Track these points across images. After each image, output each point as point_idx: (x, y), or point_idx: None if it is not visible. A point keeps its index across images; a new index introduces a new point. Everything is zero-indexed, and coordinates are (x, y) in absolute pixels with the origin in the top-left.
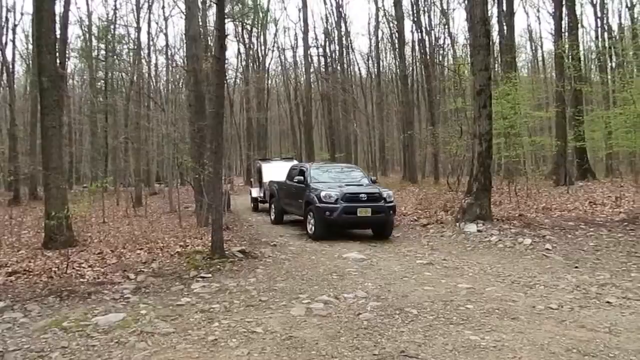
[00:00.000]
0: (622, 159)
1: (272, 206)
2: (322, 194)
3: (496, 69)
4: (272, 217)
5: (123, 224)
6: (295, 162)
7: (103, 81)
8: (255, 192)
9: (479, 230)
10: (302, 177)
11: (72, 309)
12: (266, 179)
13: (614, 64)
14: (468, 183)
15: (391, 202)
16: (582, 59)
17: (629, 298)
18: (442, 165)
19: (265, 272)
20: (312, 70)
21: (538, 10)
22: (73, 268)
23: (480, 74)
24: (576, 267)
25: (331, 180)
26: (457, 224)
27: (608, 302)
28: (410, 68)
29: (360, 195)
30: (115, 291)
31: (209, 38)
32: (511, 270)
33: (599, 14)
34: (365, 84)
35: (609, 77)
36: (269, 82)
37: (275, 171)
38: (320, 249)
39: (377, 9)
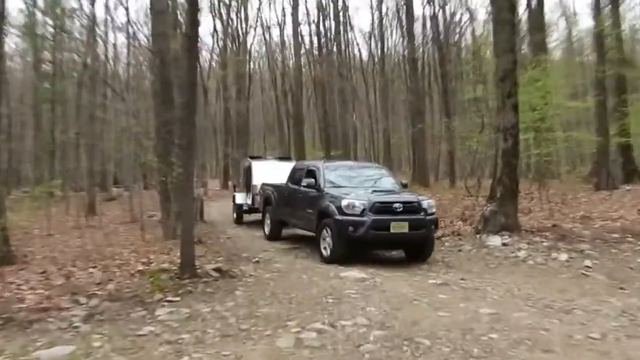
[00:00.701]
0: None
1: (266, 216)
2: (344, 202)
3: (523, 51)
4: (266, 231)
5: (73, 236)
6: (293, 161)
7: (50, 64)
8: (241, 198)
9: (504, 244)
10: (312, 180)
11: (9, 340)
12: (257, 181)
13: None
14: (491, 187)
15: (433, 214)
16: (625, 38)
17: None
18: (460, 165)
19: (246, 294)
20: (302, 51)
21: None
22: (10, 291)
23: (504, 56)
24: (622, 289)
25: (351, 184)
26: (478, 236)
27: None
28: (421, 49)
29: (394, 205)
30: (62, 319)
31: (178, 12)
32: (543, 292)
33: None
34: (367, 68)
35: None
36: (251, 65)
37: (269, 173)
38: (313, 267)
39: None
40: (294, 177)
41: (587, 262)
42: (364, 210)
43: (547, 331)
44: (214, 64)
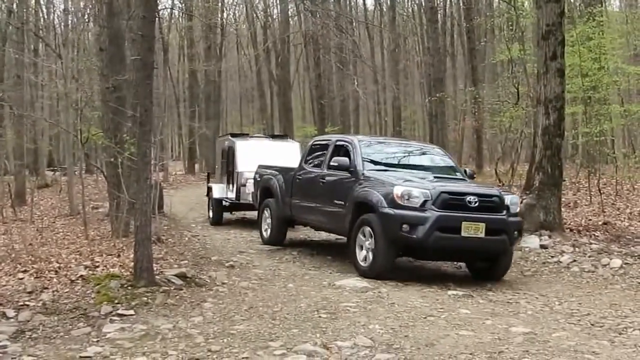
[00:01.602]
0: None
1: (266, 214)
2: (398, 190)
3: (572, 1)
4: (265, 233)
5: None
6: (294, 143)
7: None
8: (220, 191)
9: (542, 246)
10: (345, 159)
11: None
12: (243, 168)
13: None
14: (527, 174)
15: (516, 214)
16: None
17: None
18: (489, 146)
19: (218, 307)
20: None
21: None
22: None
23: (548, 6)
24: None
25: (399, 166)
26: None
27: None
28: None
29: (468, 197)
30: None
31: None
32: (591, 307)
33: None
34: (373, 20)
35: None
36: (225, 15)
37: (260, 157)
38: (302, 273)
39: None
40: (311, 157)
41: None
42: (425, 202)
43: (596, 355)
44: (176, 12)
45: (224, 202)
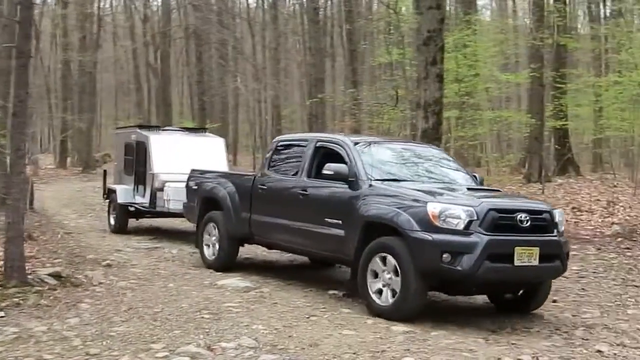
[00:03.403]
0: (614, 147)
1: (211, 231)
2: (434, 207)
3: (450, 9)
4: (210, 254)
5: None
6: (217, 138)
7: None
8: (126, 194)
9: None
10: (342, 168)
11: None
12: (160, 167)
13: (607, 11)
14: None
15: (563, 233)
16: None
17: (624, 345)
18: None
19: (95, 308)
20: None
21: None
22: None
23: (429, 13)
24: None
25: (409, 175)
26: None
27: (599, 350)
28: None
29: (519, 215)
30: None
31: None
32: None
33: None
34: (255, 17)
35: (602, 29)
36: (102, 3)
37: (179, 154)
38: (183, 272)
39: None
40: (278, 161)
41: None
42: (470, 222)
43: (472, 352)
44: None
45: (131, 208)
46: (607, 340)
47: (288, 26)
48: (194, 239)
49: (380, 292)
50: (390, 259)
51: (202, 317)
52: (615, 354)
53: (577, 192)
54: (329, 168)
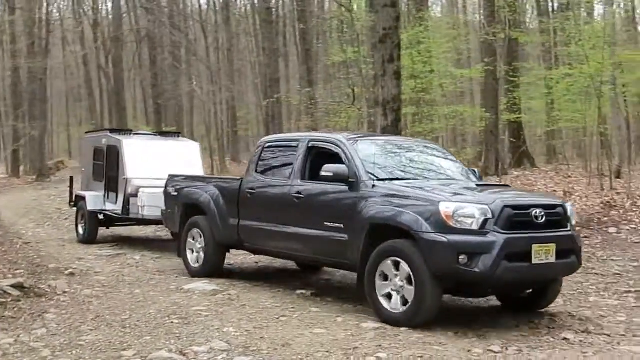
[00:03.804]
0: (567, 139)
1: (194, 237)
2: (447, 207)
3: (402, 6)
4: (194, 261)
5: None
6: (192, 142)
7: None
8: (96, 201)
9: None
10: (341, 169)
11: None
12: (133, 172)
13: (555, 5)
14: None
15: (574, 227)
16: None
17: (589, 332)
18: None
19: (62, 318)
20: None
21: None
22: None
23: (384, 11)
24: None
25: (408, 173)
26: None
27: (565, 338)
28: None
29: (533, 210)
30: None
31: None
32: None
33: None
34: (207, 19)
35: (552, 22)
36: (50, 8)
37: (153, 159)
38: (148, 278)
39: None
40: (267, 163)
41: None
42: (485, 221)
43: (442, 345)
44: None
45: (100, 215)
46: (572, 328)
47: (240, 27)
48: (157, 245)
49: (389, 296)
50: (403, 264)
51: (172, 322)
52: (581, 341)
53: (534, 184)
54: (328, 169)
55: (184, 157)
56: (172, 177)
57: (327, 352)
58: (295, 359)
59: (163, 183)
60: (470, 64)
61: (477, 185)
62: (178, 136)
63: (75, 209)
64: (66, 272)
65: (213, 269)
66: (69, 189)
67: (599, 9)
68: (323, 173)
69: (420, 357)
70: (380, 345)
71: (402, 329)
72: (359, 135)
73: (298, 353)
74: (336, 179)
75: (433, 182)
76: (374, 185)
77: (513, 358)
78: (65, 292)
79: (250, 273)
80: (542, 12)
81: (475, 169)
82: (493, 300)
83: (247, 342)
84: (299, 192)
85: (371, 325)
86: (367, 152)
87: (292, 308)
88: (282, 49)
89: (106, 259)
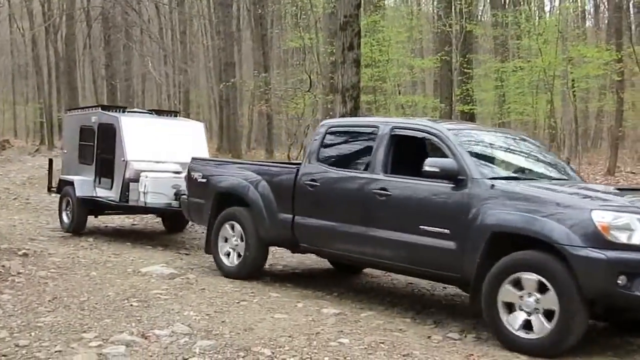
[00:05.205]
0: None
1: (229, 232)
2: (603, 218)
3: None
4: (230, 259)
5: None
6: (196, 123)
7: None
8: (84, 186)
9: None
10: (449, 164)
11: None
12: (134, 154)
13: None
14: None
15: None
16: None
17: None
18: (287, 131)
19: (17, 299)
20: None
21: None
22: None
23: None
24: None
25: (513, 170)
26: None
27: None
28: None
29: None
30: None
31: None
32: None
33: None
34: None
35: (505, 16)
36: None
37: (155, 139)
38: (104, 260)
39: None
40: (331, 151)
41: None
42: None
43: (402, 332)
44: None
45: (95, 201)
46: None
47: (194, 9)
48: (111, 228)
49: (525, 324)
50: (545, 281)
51: (131, 305)
52: None
53: None
54: (433, 164)
55: (188, 139)
56: (197, 161)
57: (290, 336)
58: (258, 343)
59: (167, 167)
60: (423, 54)
61: (617, 189)
62: (176, 116)
63: (55, 195)
64: (19, 253)
65: (253, 269)
66: (47, 173)
67: (549, 5)
68: (427, 168)
69: (382, 342)
70: (341, 331)
71: (362, 314)
72: (453, 124)
73: (261, 337)
74: (442, 175)
75: (557, 183)
76: (492, 186)
77: (472, 345)
78: (19, 273)
79: (209, 257)
80: (495, 5)
81: (572, 166)
82: (450, 289)
83: (209, 326)
84: (383, 188)
85: (332, 311)
86: (472, 146)
87: (252, 293)
88: (235, 33)
89: (59, 240)
